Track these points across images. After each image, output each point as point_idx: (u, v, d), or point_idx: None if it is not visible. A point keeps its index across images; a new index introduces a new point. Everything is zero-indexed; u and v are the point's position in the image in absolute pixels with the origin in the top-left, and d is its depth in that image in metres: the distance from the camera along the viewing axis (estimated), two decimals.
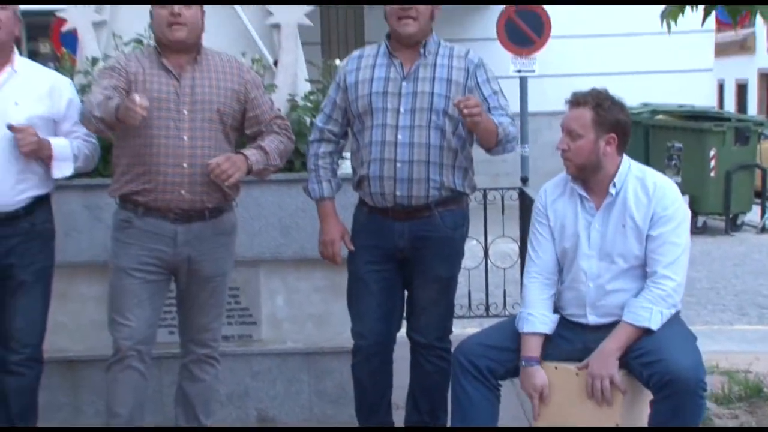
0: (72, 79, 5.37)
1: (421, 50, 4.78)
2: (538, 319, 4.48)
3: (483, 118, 4.48)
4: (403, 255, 4.83)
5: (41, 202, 4.87)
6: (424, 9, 4.72)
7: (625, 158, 4.48)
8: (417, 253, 4.81)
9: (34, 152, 4.64)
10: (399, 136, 4.68)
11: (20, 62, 4.85)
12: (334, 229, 4.94)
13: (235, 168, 4.53)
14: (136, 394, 4.80)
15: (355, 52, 5.02)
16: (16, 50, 4.89)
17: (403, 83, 4.74)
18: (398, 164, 4.68)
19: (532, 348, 4.44)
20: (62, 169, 4.80)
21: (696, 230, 13.43)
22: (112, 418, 4.81)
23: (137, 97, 4.17)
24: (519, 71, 16.11)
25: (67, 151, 4.80)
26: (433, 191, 4.72)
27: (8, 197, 4.69)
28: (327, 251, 4.96)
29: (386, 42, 4.86)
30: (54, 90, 4.87)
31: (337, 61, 5.55)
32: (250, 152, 4.68)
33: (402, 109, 4.70)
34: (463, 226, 4.94)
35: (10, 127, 4.56)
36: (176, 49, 4.72)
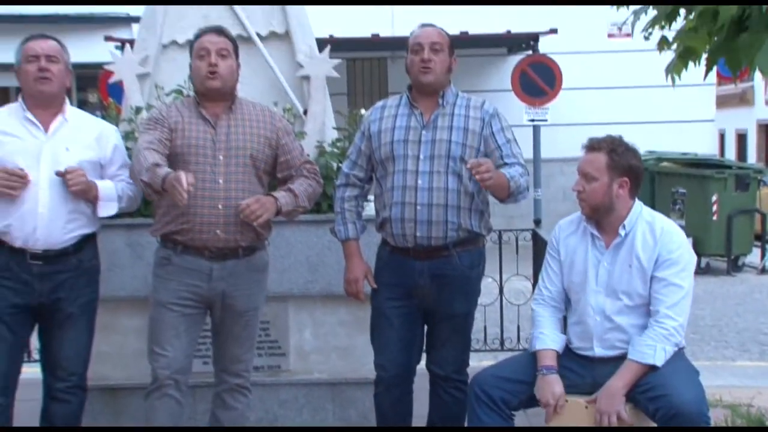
0: (117, 126, 5.41)
1: (440, 100, 4.80)
2: (549, 337, 4.51)
3: (494, 180, 4.47)
4: (423, 292, 4.81)
5: (88, 241, 4.90)
6: (441, 60, 4.75)
7: (638, 202, 4.49)
8: (436, 290, 4.79)
9: (82, 192, 4.67)
10: (419, 181, 4.69)
11: (71, 111, 4.89)
12: (358, 268, 4.94)
13: (264, 209, 4.54)
14: (173, 421, 4.78)
15: (379, 103, 5.05)
16: (67, 100, 4.94)
17: (423, 131, 4.75)
18: (418, 207, 4.68)
19: (547, 358, 4.44)
20: (107, 209, 4.83)
21: (699, 271, 13.31)
22: None
23: (183, 178, 4.19)
24: (532, 120, 16.18)
25: (112, 193, 4.83)
26: (451, 232, 4.71)
27: (59, 236, 4.72)
28: (351, 289, 4.96)
29: (407, 93, 4.88)
30: (101, 137, 4.91)
31: (362, 111, 5.58)
32: (280, 194, 4.70)
33: (422, 156, 4.71)
34: (479, 266, 4.92)
35: (58, 173, 4.60)
36: (213, 99, 4.76)
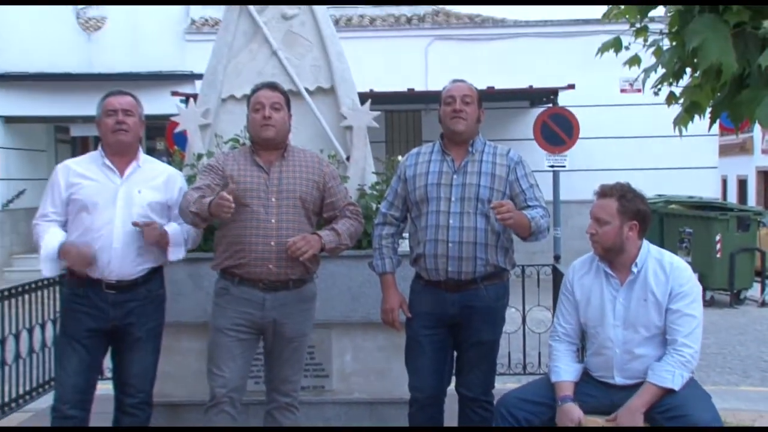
0: (181, 170, 5.48)
1: (470, 148, 4.83)
2: (563, 370, 4.50)
3: (514, 220, 4.49)
4: (453, 321, 4.82)
5: (156, 273, 4.97)
6: (472, 111, 4.79)
7: (645, 242, 4.47)
8: (465, 320, 4.79)
9: (155, 243, 4.77)
10: (450, 221, 4.70)
11: (143, 158, 4.99)
12: (394, 299, 4.96)
13: (309, 246, 4.60)
14: None
15: (414, 150, 5.07)
16: (140, 148, 5.03)
17: (454, 176, 4.77)
18: (450, 244, 4.69)
19: (564, 389, 4.43)
20: (176, 254, 4.93)
21: (705, 303, 13.05)
22: None
23: (224, 192, 4.30)
24: (552, 166, 16.17)
25: (180, 238, 4.92)
26: (479, 268, 4.72)
27: (130, 268, 4.80)
28: (387, 318, 4.98)
29: (440, 141, 4.92)
30: (169, 181, 5.00)
31: (399, 157, 5.60)
32: (325, 233, 4.75)
33: (453, 198, 4.73)
34: (504, 297, 4.92)
35: (134, 224, 4.71)
36: (267, 147, 4.82)
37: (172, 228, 4.89)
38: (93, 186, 4.81)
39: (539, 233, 4.72)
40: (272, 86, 4.94)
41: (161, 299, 5.03)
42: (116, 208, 4.77)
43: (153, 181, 4.93)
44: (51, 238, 4.78)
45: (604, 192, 4.44)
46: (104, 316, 4.82)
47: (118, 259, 4.77)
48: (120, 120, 4.83)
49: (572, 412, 4.34)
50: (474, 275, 4.74)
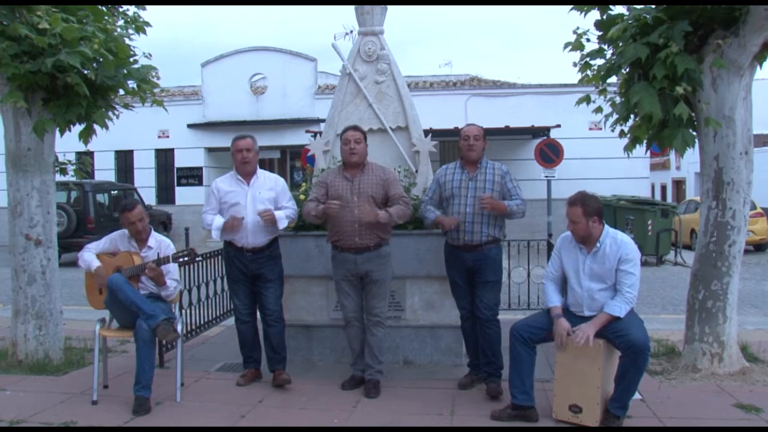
0: (311, 179, 5.48)
1: (479, 165, 4.83)
2: (553, 299, 4.40)
3: (492, 208, 4.62)
4: (471, 270, 4.80)
5: (274, 241, 5.08)
6: (480, 144, 4.80)
7: (606, 226, 4.35)
8: (477, 269, 4.77)
9: (271, 222, 4.90)
10: (467, 210, 4.74)
11: (260, 172, 5.07)
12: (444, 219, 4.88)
13: (372, 215, 4.67)
14: (359, 339, 4.95)
15: (444, 166, 5.03)
16: (257, 167, 5.08)
17: (469, 183, 4.79)
18: (467, 224, 4.73)
19: (558, 310, 4.33)
20: (281, 225, 4.97)
21: (641, 264, 12.92)
22: (351, 350, 5.01)
23: (330, 205, 4.51)
24: (547, 176, 15.99)
25: (282, 218, 4.97)
26: (484, 237, 4.74)
27: (259, 240, 4.96)
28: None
29: (460, 161, 4.90)
30: (276, 183, 5.08)
31: None
32: (382, 211, 4.73)
33: (468, 196, 4.75)
34: (500, 254, 4.86)
35: (259, 213, 4.88)
36: (352, 166, 4.86)
37: (278, 213, 4.95)
38: (233, 193, 4.95)
39: (514, 214, 4.73)
40: (355, 128, 4.96)
41: (278, 257, 5.12)
42: (247, 205, 4.92)
43: (267, 185, 5.03)
44: (218, 219, 4.95)
45: (572, 202, 4.32)
46: (247, 268, 4.97)
47: (252, 235, 4.92)
48: (243, 156, 4.95)
49: (564, 324, 4.24)
50: (481, 242, 4.74)
